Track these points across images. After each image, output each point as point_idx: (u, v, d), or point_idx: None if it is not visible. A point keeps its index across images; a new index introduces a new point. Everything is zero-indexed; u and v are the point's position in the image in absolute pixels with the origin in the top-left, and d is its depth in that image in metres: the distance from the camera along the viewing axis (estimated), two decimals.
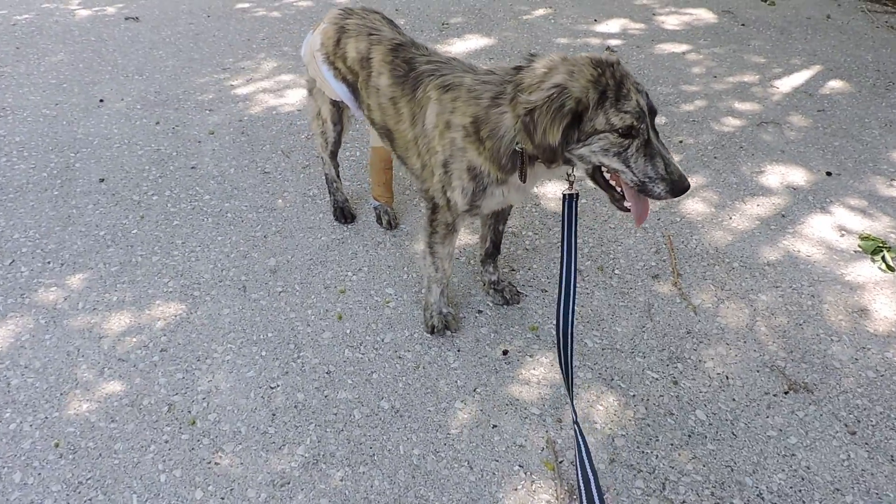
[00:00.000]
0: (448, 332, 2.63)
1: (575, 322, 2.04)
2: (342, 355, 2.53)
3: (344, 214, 3.20)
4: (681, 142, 3.97)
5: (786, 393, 2.44)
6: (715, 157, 3.83)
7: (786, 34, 5.63)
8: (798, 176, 3.70)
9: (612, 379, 2.47)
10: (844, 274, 3.01)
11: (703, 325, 2.72)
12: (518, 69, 2.01)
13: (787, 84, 4.75)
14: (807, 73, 4.93)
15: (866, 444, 2.27)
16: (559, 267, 2.06)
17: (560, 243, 2.09)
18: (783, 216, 3.37)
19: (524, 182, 2.09)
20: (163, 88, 4.37)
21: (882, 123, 4.25)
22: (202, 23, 5.31)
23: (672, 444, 2.24)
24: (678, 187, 1.81)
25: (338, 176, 3.18)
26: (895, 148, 4.00)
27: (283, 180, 3.50)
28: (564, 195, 2.08)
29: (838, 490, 2.12)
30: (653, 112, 1.85)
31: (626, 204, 1.95)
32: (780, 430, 2.30)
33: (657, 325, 2.71)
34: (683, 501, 2.06)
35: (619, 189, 1.95)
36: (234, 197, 3.36)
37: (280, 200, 3.35)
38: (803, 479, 2.15)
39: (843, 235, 3.25)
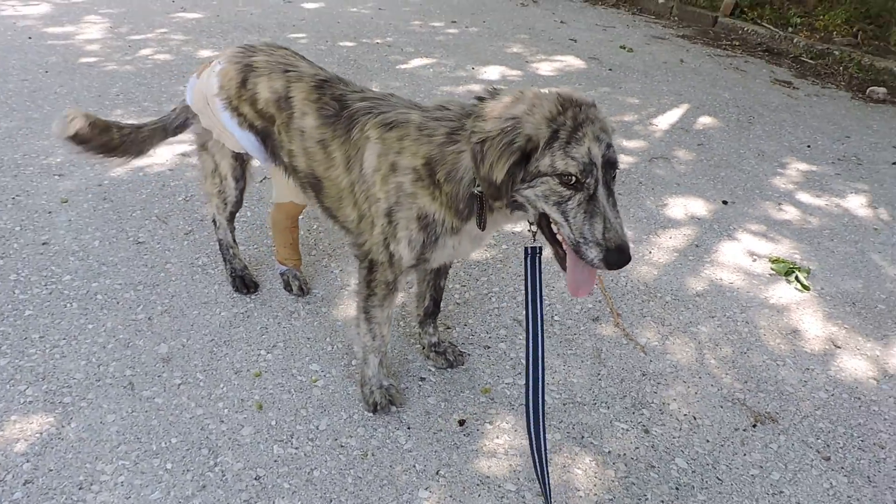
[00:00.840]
0: (393, 408, 2.26)
1: (545, 399, 1.79)
2: (271, 454, 2.07)
3: (245, 283, 2.75)
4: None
5: (753, 426, 2.34)
6: (620, 193, 3.83)
7: (650, 77, 5.99)
8: (698, 206, 3.79)
9: (583, 437, 2.23)
10: (768, 297, 3.05)
11: (655, 364, 2.58)
12: (480, 100, 1.78)
13: (664, 122, 4.98)
14: (678, 111, 5.23)
15: (842, 468, 2.20)
16: (525, 333, 1.81)
17: (524, 306, 1.84)
18: (697, 246, 3.40)
19: (483, 229, 1.83)
20: None
21: (755, 154, 4.55)
22: (39, 79, 4.61)
23: (663, 501, 2.03)
24: (612, 259, 1.56)
25: (234, 241, 2.74)
26: (773, 175, 4.26)
27: (162, 250, 2.98)
28: (526, 249, 1.85)
29: None
30: (610, 165, 1.62)
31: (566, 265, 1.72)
32: (761, 468, 2.17)
33: (611, 370, 2.54)
34: None
35: (563, 247, 1.72)
36: (102, 275, 2.78)
37: (163, 274, 2.82)
38: None
39: (754, 260, 3.33)
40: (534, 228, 1.85)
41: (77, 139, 2.36)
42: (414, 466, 2.07)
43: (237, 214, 2.70)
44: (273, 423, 2.18)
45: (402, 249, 1.94)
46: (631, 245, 1.80)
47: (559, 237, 1.71)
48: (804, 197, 4.01)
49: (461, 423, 2.24)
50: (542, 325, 1.83)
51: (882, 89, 5.97)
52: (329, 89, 2.03)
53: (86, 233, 3.04)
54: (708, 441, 2.26)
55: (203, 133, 2.37)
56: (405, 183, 1.85)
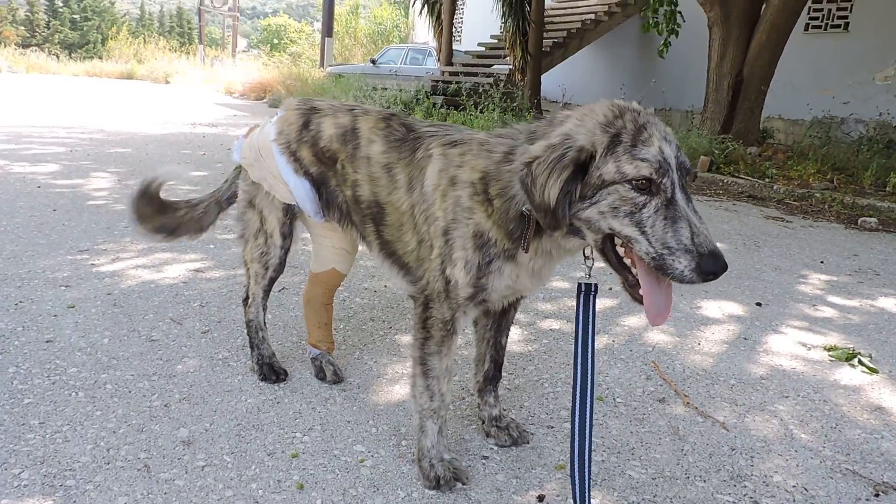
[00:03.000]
0: (459, 484, 1.90)
1: (592, 452, 1.53)
2: None
3: (274, 370, 2.46)
4: (610, 289, 3.84)
5: (876, 496, 2.00)
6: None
7: None
8: (733, 307, 3.67)
9: None
10: (838, 379, 2.82)
11: (742, 439, 2.28)
12: (540, 118, 1.75)
13: None
14: None
15: None
16: (572, 380, 1.60)
17: (574, 347, 1.64)
18: (745, 339, 3.22)
19: (525, 251, 1.67)
20: None
21: (772, 268, 4.54)
22: (47, 216, 4.56)
23: None
24: (708, 265, 1.37)
25: (265, 323, 2.52)
26: (797, 283, 4.21)
27: (178, 346, 2.71)
28: (580, 285, 1.68)
29: None
30: (684, 169, 1.51)
31: (641, 292, 1.54)
32: None
33: (695, 446, 2.22)
34: None
35: (634, 271, 1.56)
36: (112, 367, 2.49)
37: (179, 366, 2.54)
38: None
39: (809, 349, 3.13)
40: (589, 263, 1.71)
41: (139, 215, 2.44)
42: None
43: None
44: (318, 502, 1.81)
45: (458, 272, 1.76)
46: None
47: (628, 260, 1.57)
48: (836, 300, 3.93)
49: (540, 498, 1.88)
50: (593, 372, 1.60)
51: (873, 219, 6.21)
52: (396, 119, 2.00)
53: (94, 332, 2.79)
54: None
55: (250, 189, 2.27)
56: (463, 197, 1.74)
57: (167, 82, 29.24)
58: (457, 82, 15.50)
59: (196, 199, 2.57)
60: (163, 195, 2.48)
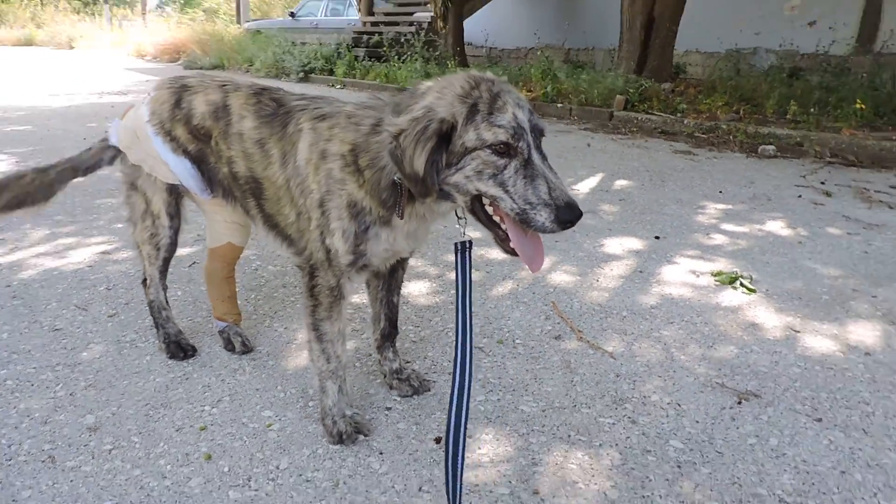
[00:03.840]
0: (361, 437, 2.03)
1: (471, 393, 1.65)
2: (226, 499, 1.77)
3: (181, 347, 2.50)
4: None
5: (739, 403, 2.24)
6: (556, 241, 3.88)
7: (563, 157, 6.35)
8: (633, 243, 3.89)
9: (569, 436, 2.06)
10: (720, 302, 3.06)
11: (627, 366, 2.48)
12: (403, 91, 1.81)
13: (584, 187, 5.22)
14: (595, 178, 5.52)
15: (836, 425, 2.12)
16: (455, 333, 1.71)
17: (455, 302, 1.75)
18: (640, 272, 3.44)
19: (401, 217, 1.76)
20: None
21: (674, 201, 4.79)
22: None
23: (667, 479, 1.86)
24: (565, 215, 1.50)
25: (167, 302, 2.54)
26: (695, 214, 4.47)
27: (83, 333, 2.71)
28: (456, 245, 1.78)
29: (844, 472, 1.89)
30: (537, 131, 1.62)
31: (512, 245, 1.66)
32: (758, 437, 2.05)
33: (584, 376, 2.41)
34: None
35: (503, 227, 1.68)
36: (12, 362, 2.47)
37: (85, 353, 2.55)
38: (808, 472, 1.89)
39: (698, 276, 3.38)
40: (462, 223, 1.81)
41: None
42: (393, 487, 1.82)
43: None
44: (226, 469, 1.90)
45: (337, 241, 1.84)
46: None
47: (496, 217, 1.68)
48: (728, 227, 4.20)
49: (437, 440, 2.03)
50: (471, 320, 1.70)
51: (771, 147, 6.57)
52: (267, 94, 2.02)
53: None
54: (698, 422, 2.13)
55: (131, 171, 2.26)
56: (334, 169, 1.80)
57: (71, 47, 27.46)
58: (378, 33, 15.19)
59: (47, 165, 2.39)
60: None
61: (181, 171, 2.15)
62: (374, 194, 1.78)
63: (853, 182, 5.40)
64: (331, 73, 14.06)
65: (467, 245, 1.78)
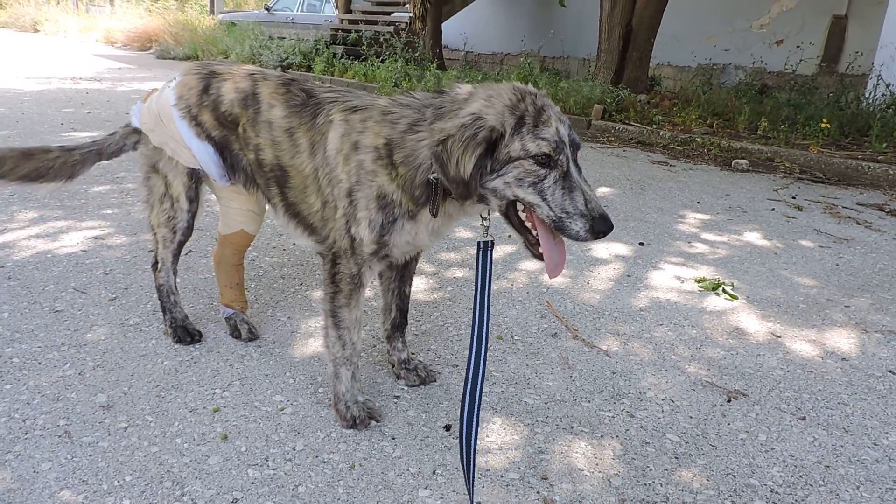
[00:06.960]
0: (373, 423, 2.09)
1: (483, 385, 1.75)
2: (245, 477, 1.83)
3: (189, 333, 2.53)
4: (509, 236, 4.10)
5: (728, 401, 2.37)
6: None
7: None
8: (619, 248, 4.02)
9: (572, 427, 2.16)
10: (705, 307, 3.21)
11: (622, 364, 2.60)
12: (439, 93, 1.89)
13: None
14: None
15: (818, 424, 2.26)
16: (471, 325, 1.80)
17: (474, 297, 1.83)
18: (628, 276, 3.57)
19: (434, 216, 1.85)
20: None
21: (655, 210, 4.96)
22: None
23: (666, 469, 1.97)
24: (598, 227, 1.63)
25: (176, 287, 2.56)
26: (676, 223, 4.64)
27: (85, 315, 2.71)
28: (479, 243, 1.88)
29: (828, 467, 2.03)
30: (575, 145, 1.75)
31: (540, 250, 1.77)
32: (747, 432, 2.18)
33: (582, 372, 2.52)
34: None
35: (534, 232, 1.79)
36: (17, 341, 2.47)
37: (89, 335, 2.55)
38: (795, 466, 2.03)
39: (682, 282, 3.53)
40: (486, 223, 1.90)
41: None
42: (408, 470, 1.90)
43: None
44: (243, 449, 1.95)
45: (363, 231, 1.91)
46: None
47: (529, 223, 1.79)
48: (708, 236, 4.38)
49: (447, 427, 2.11)
50: (488, 317, 1.79)
51: (744, 161, 6.82)
52: (296, 84, 2.07)
53: None
54: (691, 417, 2.26)
55: (152, 154, 2.28)
56: (366, 161, 1.87)
57: (36, 31, 26.63)
58: (357, 31, 15.16)
59: (73, 145, 2.43)
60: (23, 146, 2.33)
61: (203, 156, 2.19)
62: (406, 189, 1.85)
63: (822, 198, 5.66)
64: (308, 69, 13.98)
65: (490, 244, 1.87)
